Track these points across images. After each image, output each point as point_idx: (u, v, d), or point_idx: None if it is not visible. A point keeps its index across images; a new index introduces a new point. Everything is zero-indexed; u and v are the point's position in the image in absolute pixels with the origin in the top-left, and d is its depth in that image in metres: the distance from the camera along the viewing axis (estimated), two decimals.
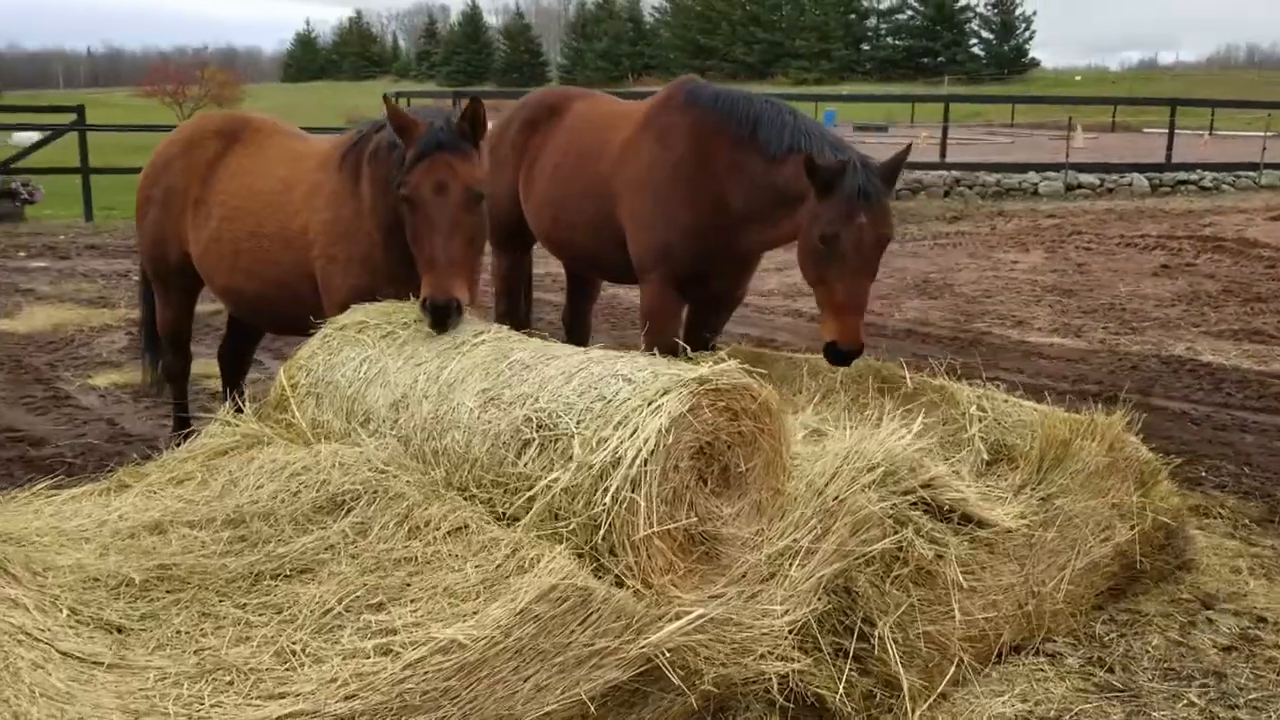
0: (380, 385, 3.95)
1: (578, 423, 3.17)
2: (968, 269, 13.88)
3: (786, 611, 3.29)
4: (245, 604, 2.87)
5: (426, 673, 2.54)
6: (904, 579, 3.59)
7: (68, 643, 2.61)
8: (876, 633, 3.45)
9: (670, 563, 3.08)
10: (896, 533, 3.57)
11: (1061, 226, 17.76)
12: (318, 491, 3.35)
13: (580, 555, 3.01)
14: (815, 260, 4.65)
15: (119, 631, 2.71)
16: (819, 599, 3.37)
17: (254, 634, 2.69)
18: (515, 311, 6.89)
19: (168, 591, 2.92)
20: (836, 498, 3.44)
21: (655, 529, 3.01)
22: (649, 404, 3.07)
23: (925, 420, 4.63)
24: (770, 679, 3.19)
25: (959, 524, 3.81)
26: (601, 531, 2.97)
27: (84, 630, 2.70)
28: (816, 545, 3.37)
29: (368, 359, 4.08)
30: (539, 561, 2.84)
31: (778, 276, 13.71)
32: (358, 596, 2.83)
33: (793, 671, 3.23)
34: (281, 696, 2.42)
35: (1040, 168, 22.44)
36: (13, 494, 3.77)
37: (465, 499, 3.36)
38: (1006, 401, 4.53)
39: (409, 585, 2.90)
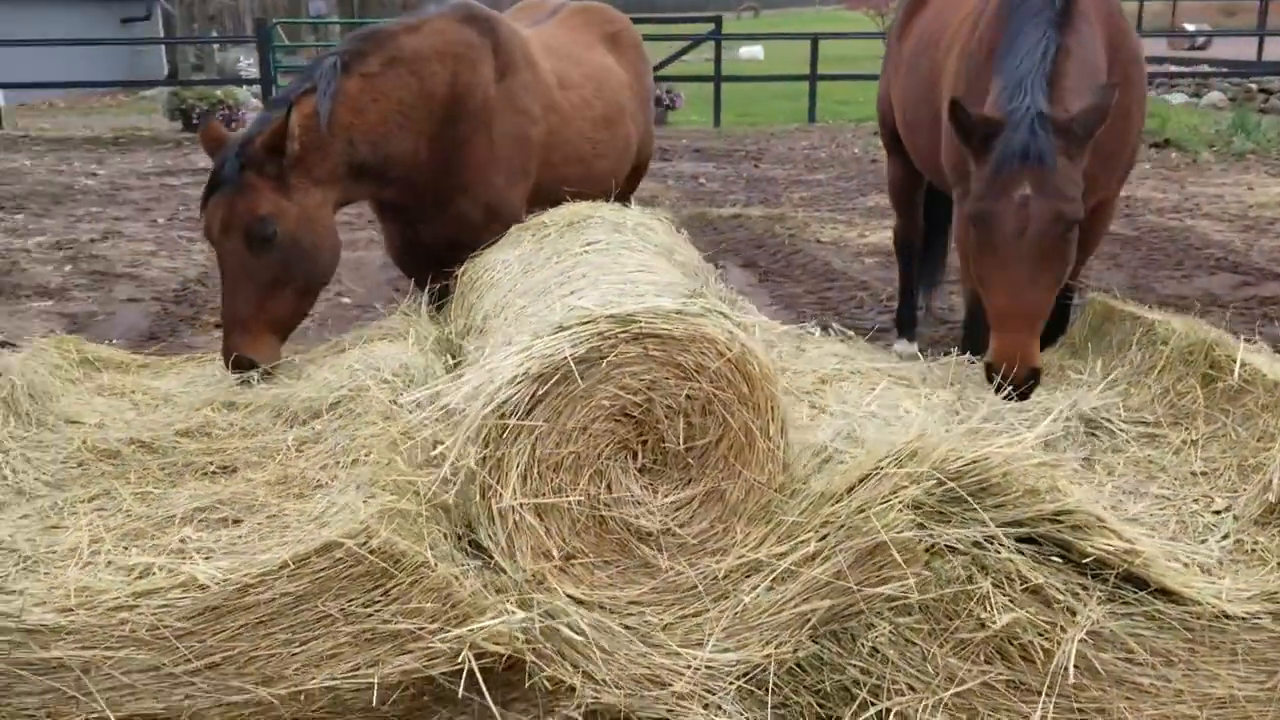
0: (497, 290, 3.61)
1: (492, 353, 2.58)
2: None
3: (742, 644, 2.41)
4: (147, 494, 2.78)
5: (159, 606, 2.25)
6: (975, 645, 2.44)
7: None
8: (888, 707, 2.40)
9: (547, 547, 2.39)
10: (970, 577, 2.42)
11: None
12: (321, 392, 3.16)
13: (448, 516, 2.46)
14: (971, 251, 3.55)
15: (19, 494, 2.77)
16: (795, 641, 2.42)
17: (100, 524, 2.59)
18: (908, 227, 5.87)
19: (112, 465, 2.94)
20: (860, 509, 2.42)
21: (519, 500, 2.35)
22: (534, 339, 2.38)
23: (1241, 430, 3.16)
24: None
25: (1124, 587, 2.50)
26: (454, 490, 2.39)
27: None
28: (801, 569, 2.40)
29: (507, 261, 3.75)
30: (344, 511, 2.37)
31: None
32: (208, 507, 2.61)
33: None
34: (7, 592, 2.29)
35: None
36: (199, 355, 4.09)
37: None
38: None
39: (266, 505, 2.60)
